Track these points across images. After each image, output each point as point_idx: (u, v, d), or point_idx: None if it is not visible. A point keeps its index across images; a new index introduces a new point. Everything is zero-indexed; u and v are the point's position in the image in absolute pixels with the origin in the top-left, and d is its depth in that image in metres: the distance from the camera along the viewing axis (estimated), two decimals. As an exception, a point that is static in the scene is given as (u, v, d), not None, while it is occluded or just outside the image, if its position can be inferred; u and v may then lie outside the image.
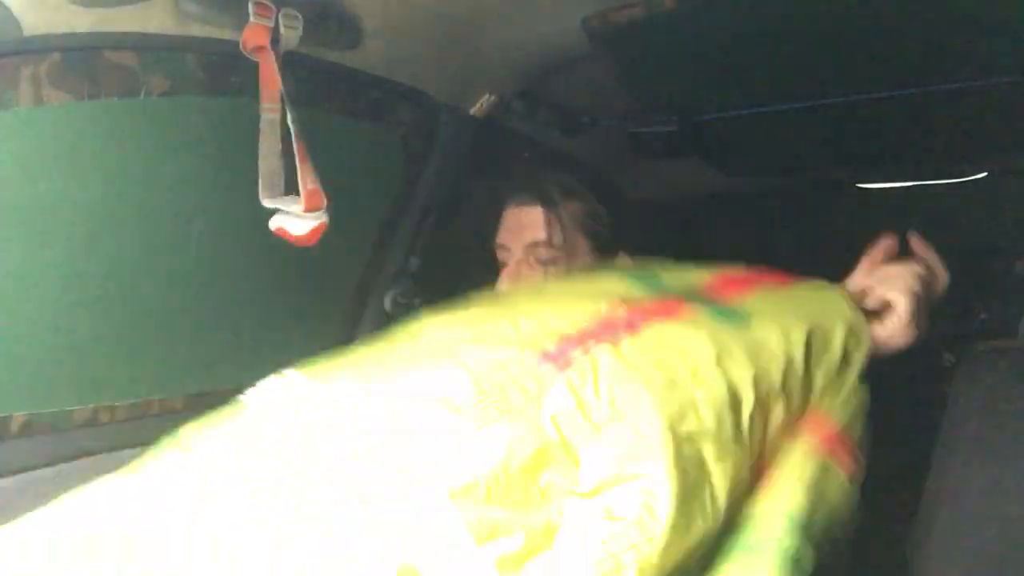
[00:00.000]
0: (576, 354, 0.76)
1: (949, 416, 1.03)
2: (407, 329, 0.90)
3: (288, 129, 0.92)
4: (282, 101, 0.93)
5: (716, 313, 0.84)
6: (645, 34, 1.08)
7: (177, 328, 1.13)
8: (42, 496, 1.05)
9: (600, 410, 0.72)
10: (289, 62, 0.96)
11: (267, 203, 0.94)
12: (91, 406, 1.08)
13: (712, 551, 0.73)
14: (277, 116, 0.93)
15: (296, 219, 0.93)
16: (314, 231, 0.94)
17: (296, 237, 0.94)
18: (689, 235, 2.23)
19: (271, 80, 0.92)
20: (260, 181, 0.94)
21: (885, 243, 1.00)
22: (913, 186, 1.84)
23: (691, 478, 0.70)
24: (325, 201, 0.93)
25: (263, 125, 0.93)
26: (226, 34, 0.93)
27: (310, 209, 0.92)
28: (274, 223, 0.95)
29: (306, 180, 0.92)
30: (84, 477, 1.09)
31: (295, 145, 0.91)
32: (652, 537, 0.65)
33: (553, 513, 0.68)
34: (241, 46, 0.90)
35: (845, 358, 0.88)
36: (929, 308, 0.94)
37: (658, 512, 0.66)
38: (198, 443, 0.74)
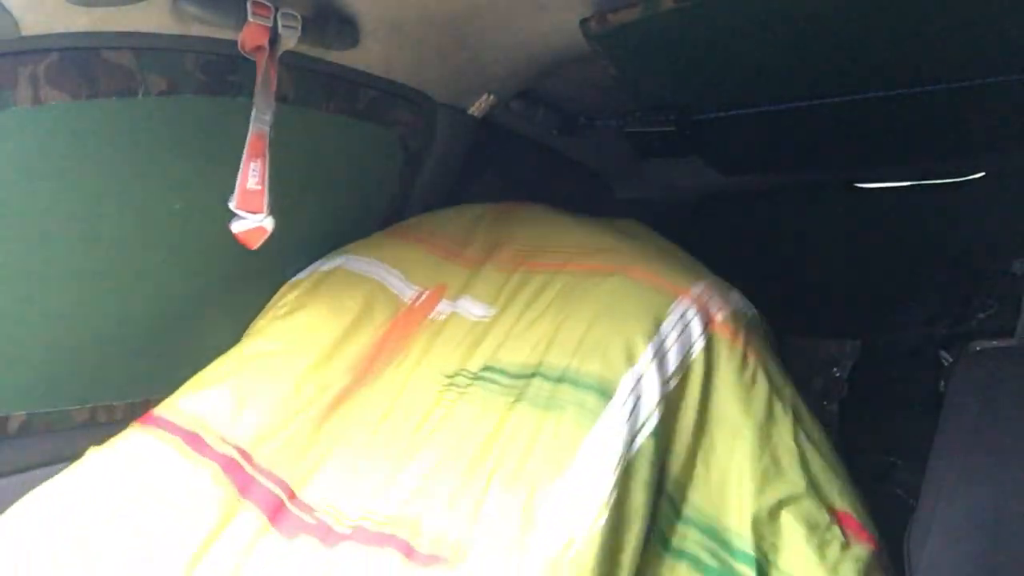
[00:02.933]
0: None
1: (946, 414, 1.03)
2: None
3: (286, 131, 0.92)
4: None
5: None
6: (643, 35, 1.09)
7: (175, 327, 1.13)
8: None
9: None
10: (287, 62, 0.96)
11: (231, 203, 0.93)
12: (89, 406, 1.08)
13: None
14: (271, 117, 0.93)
15: (240, 218, 0.93)
16: (250, 233, 0.93)
17: (235, 233, 0.93)
18: (686, 235, 2.23)
19: (268, 80, 0.92)
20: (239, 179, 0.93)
21: None
22: (911, 186, 1.84)
23: None
24: (265, 207, 0.92)
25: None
26: (224, 34, 0.93)
27: (241, 207, 0.91)
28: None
29: (245, 179, 0.91)
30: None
31: (248, 139, 0.90)
32: None
33: None
34: (239, 46, 0.90)
35: None
36: None
37: None
38: None
